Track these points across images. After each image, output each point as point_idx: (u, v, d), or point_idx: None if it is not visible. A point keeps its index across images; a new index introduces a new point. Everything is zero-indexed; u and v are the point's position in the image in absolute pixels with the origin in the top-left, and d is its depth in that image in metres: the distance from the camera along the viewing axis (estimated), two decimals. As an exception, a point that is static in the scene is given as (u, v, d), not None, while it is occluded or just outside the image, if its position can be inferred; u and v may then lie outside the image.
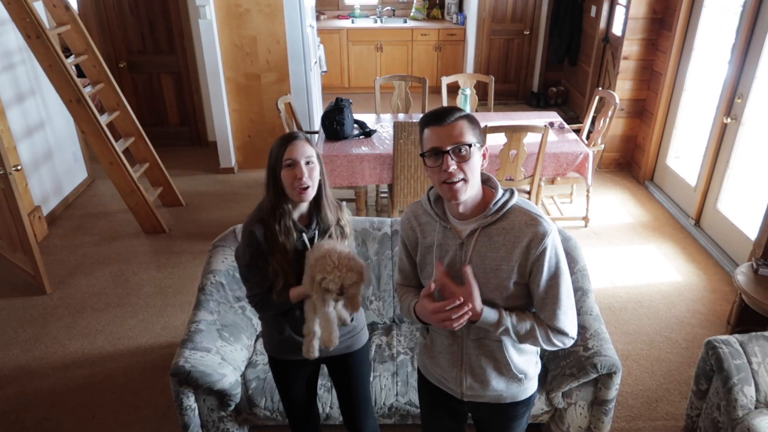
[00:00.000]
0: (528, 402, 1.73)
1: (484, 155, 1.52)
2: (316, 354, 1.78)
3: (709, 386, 2.43)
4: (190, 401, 2.32)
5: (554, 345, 1.54)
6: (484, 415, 1.77)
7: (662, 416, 2.75)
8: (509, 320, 1.51)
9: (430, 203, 1.61)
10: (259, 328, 2.75)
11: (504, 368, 1.63)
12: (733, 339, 2.36)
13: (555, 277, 1.49)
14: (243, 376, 2.44)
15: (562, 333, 1.52)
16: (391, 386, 2.43)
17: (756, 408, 2.24)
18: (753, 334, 2.40)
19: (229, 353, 2.41)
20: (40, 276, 3.59)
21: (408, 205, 3.77)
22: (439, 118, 1.47)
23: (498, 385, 1.65)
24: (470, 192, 1.49)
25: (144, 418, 2.74)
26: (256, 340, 2.68)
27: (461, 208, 1.52)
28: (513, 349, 1.62)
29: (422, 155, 1.51)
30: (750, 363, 2.28)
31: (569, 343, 1.55)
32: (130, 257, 4.05)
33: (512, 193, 1.54)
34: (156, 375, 2.99)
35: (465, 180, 1.47)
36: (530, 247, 1.47)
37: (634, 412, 2.78)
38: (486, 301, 1.52)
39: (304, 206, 1.80)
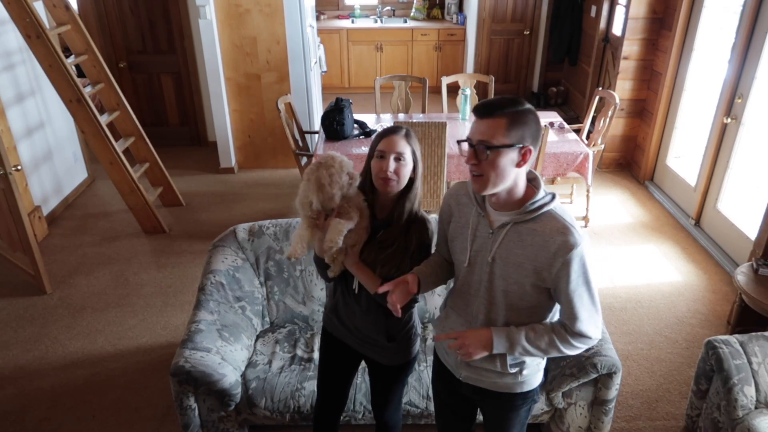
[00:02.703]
0: (526, 396, 1.74)
1: (524, 156, 1.47)
2: (294, 255, 1.77)
3: (709, 386, 2.43)
4: (190, 401, 2.32)
5: (577, 348, 1.57)
6: (482, 399, 1.79)
7: (662, 416, 2.75)
8: (523, 342, 1.55)
9: None
10: (259, 329, 2.75)
11: (499, 359, 1.64)
12: (733, 339, 2.36)
13: (580, 286, 1.50)
14: (243, 376, 2.44)
15: (583, 336, 1.55)
16: (391, 386, 2.43)
17: (756, 408, 2.24)
18: (753, 334, 2.40)
19: (229, 353, 2.41)
20: (40, 276, 3.59)
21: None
22: (482, 110, 1.48)
23: (491, 374, 1.68)
24: (493, 189, 1.49)
25: (144, 418, 2.74)
26: (256, 340, 2.68)
27: (493, 199, 1.55)
28: None
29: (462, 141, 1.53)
30: (750, 363, 2.28)
31: (592, 343, 1.58)
32: (130, 257, 4.05)
33: (553, 197, 1.53)
34: (156, 375, 2.99)
35: (482, 176, 1.47)
36: (557, 255, 1.46)
37: (634, 412, 2.78)
38: (504, 304, 1.57)
39: (388, 200, 1.79)
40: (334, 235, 1.68)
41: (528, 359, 1.66)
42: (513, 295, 1.56)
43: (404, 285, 1.64)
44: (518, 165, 1.48)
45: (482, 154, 1.45)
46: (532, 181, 1.56)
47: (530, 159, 1.49)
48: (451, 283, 1.91)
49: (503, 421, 1.80)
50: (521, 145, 1.46)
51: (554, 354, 1.58)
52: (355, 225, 1.73)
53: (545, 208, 1.51)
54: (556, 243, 1.46)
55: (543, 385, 2.41)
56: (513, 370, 1.65)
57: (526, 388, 1.72)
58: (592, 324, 1.54)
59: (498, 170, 1.46)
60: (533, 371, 1.70)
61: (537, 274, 1.51)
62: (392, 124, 4.02)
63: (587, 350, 2.31)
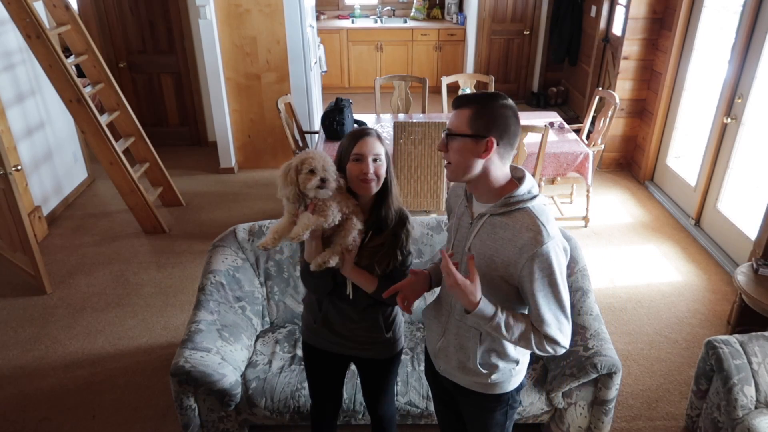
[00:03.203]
0: (499, 399, 1.73)
1: (486, 147, 1.48)
2: (264, 245, 1.77)
3: (709, 386, 2.43)
4: (190, 401, 2.32)
5: (546, 351, 1.54)
6: (459, 396, 1.79)
7: (662, 416, 2.75)
8: (503, 318, 1.51)
9: None
10: (259, 329, 2.75)
11: (471, 358, 1.65)
12: (733, 339, 2.36)
13: (544, 287, 1.47)
14: (243, 376, 2.44)
15: (552, 341, 1.52)
16: (391, 386, 2.43)
17: (756, 408, 2.24)
18: (753, 334, 2.40)
19: (229, 353, 2.41)
20: (40, 276, 3.59)
21: (408, 205, 3.77)
22: (455, 101, 1.55)
23: (462, 371, 1.69)
24: (460, 177, 1.54)
25: (144, 418, 2.74)
26: (256, 340, 2.68)
27: (474, 190, 1.58)
28: (485, 345, 1.64)
29: None
30: (750, 363, 2.28)
31: (560, 351, 1.54)
32: (130, 257, 4.05)
33: (534, 196, 1.53)
34: (156, 375, 2.99)
35: (450, 164, 1.54)
36: (522, 252, 1.46)
37: (634, 412, 2.78)
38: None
39: (365, 204, 1.80)
40: (300, 229, 1.69)
41: (501, 364, 1.66)
42: (483, 287, 1.55)
43: (411, 284, 1.69)
44: (482, 155, 1.49)
45: (446, 143, 1.54)
46: (519, 179, 1.57)
47: (498, 151, 1.49)
48: None
49: (479, 422, 1.79)
50: (483, 136, 1.48)
51: (523, 346, 1.54)
52: (329, 224, 1.71)
53: (522, 205, 1.50)
54: (523, 239, 1.46)
55: (542, 386, 2.41)
56: (484, 371, 1.65)
57: (498, 390, 1.70)
58: (558, 330, 1.51)
59: (460, 159, 1.51)
60: (506, 376, 1.69)
61: (505, 268, 1.51)
62: (392, 124, 4.04)
63: (587, 350, 2.32)
